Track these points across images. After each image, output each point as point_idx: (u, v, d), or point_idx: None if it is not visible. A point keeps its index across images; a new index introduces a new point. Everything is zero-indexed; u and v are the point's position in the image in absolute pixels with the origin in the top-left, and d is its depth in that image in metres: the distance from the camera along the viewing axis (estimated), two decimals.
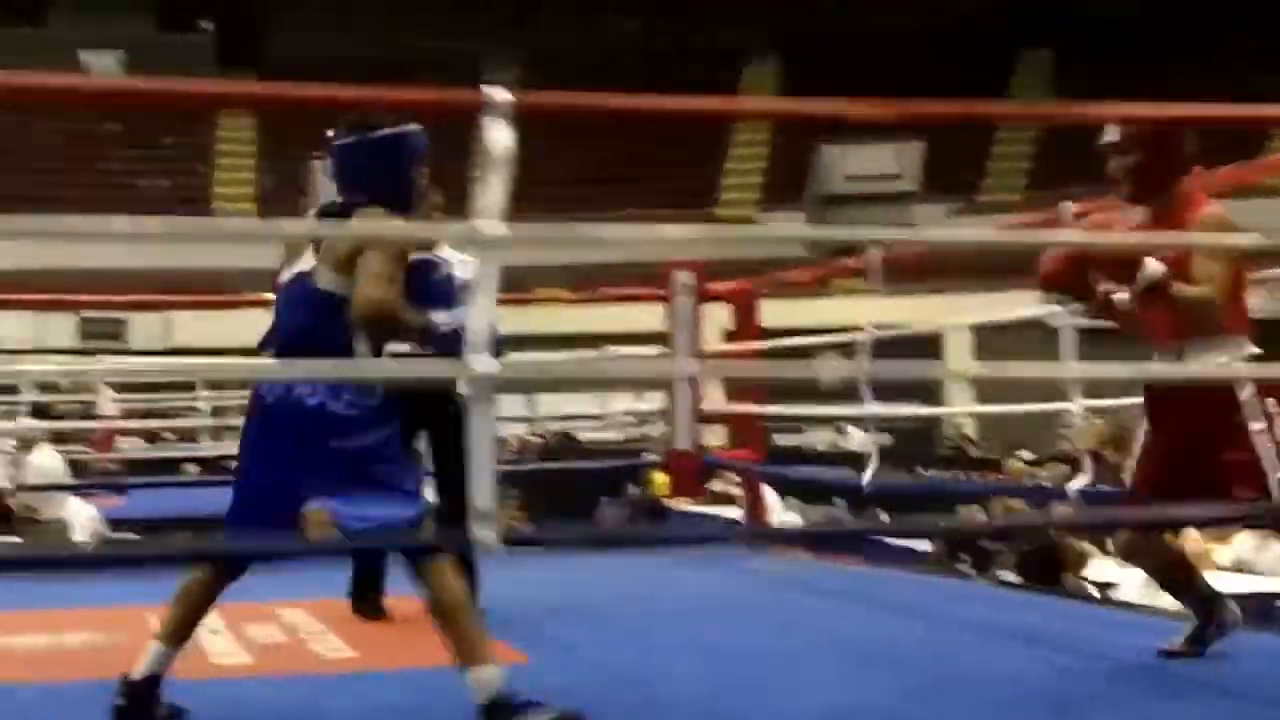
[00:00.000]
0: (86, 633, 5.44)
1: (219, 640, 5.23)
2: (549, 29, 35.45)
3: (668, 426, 8.80)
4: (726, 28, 34.90)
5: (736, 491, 13.28)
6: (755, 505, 8.58)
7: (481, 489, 3.28)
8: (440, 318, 4.09)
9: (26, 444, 10.65)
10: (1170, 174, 4.49)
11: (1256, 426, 4.32)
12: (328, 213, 4.20)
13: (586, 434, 23.68)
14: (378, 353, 4.05)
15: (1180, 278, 4.29)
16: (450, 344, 3.87)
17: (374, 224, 4.07)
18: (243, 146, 33.93)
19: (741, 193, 33.07)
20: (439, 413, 5.83)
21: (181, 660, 4.31)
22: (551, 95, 3.98)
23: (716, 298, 8.54)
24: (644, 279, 9.19)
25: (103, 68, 33.70)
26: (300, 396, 3.92)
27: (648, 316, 9.03)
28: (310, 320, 4.00)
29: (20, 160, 33.49)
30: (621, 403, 16.10)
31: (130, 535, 11.73)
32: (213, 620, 5.35)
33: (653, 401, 10.30)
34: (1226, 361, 4.34)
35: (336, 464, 3.90)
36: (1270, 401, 4.33)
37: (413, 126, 4.25)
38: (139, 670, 3.95)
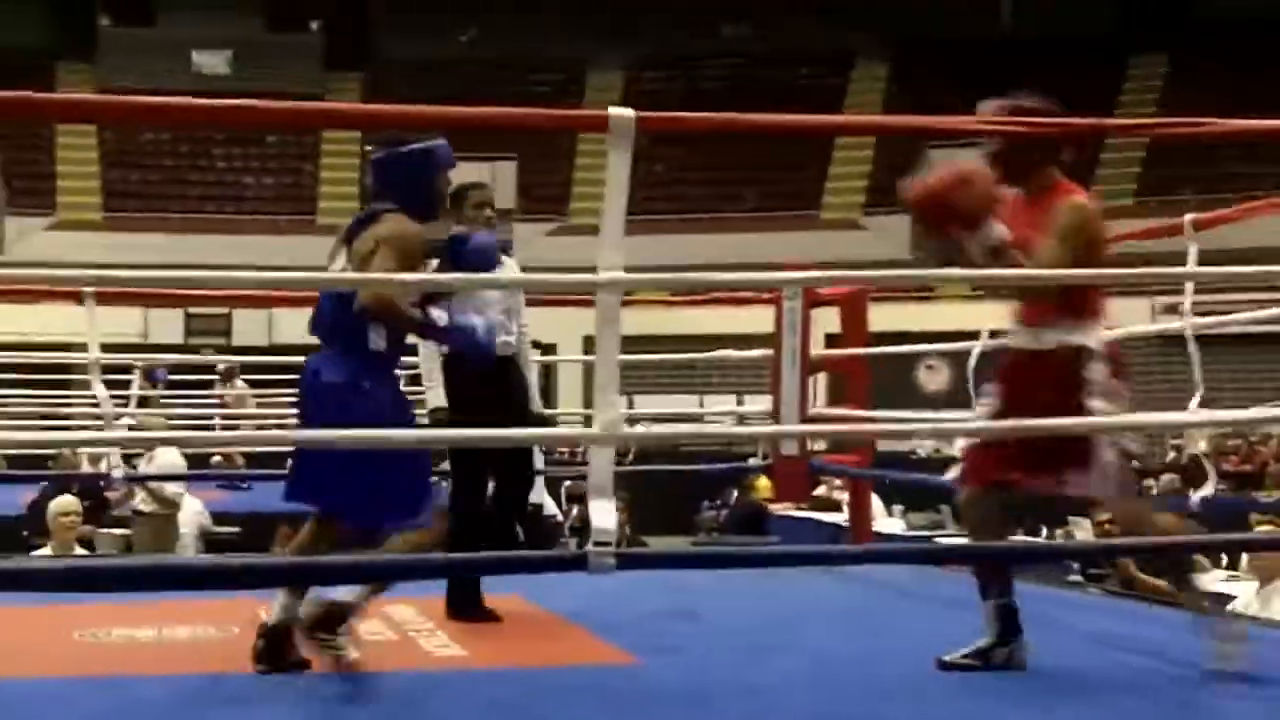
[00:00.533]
0: (196, 626, 5.46)
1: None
2: (657, 33, 35.39)
3: (773, 429, 8.72)
4: (835, 31, 34.73)
5: (840, 496, 13.20)
6: (861, 511, 8.48)
7: (602, 513, 3.36)
8: (438, 314, 4.60)
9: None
10: (1031, 161, 4.63)
11: (1098, 405, 4.46)
12: (360, 220, 4.72)
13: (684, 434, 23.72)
14: (395, 341, 4.60)
15: (1027, 251, 4.43)
16: (456, 338, 4.68)
17: None
18: (348, 146, 34.10)
19: (845, 196, 32.89)
20: (501, 417, 5.86)
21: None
22: (672, 115, 3.95)
23: (826, 301, 8.45)
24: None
25: (212, 67, 34.07)
26: (324, 379, 4.56)
27: (756, 318, 8.96)
28: (338, 313, 4.53)
29: (133, 158, 33.90)
30: (722, 404, 15.97)
31: (231, 529, 11.86)
32: None
33: (757, 403, 10.20)
34: (1078, 342, 4.52)
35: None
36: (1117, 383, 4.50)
37: (438, 141, 4.82)
38: (273, 618, 4.52)
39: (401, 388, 5.05)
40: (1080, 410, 4.42)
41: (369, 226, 4.60)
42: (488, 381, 5.71)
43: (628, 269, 3.48)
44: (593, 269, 3.49)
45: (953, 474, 4.92)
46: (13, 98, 3.35)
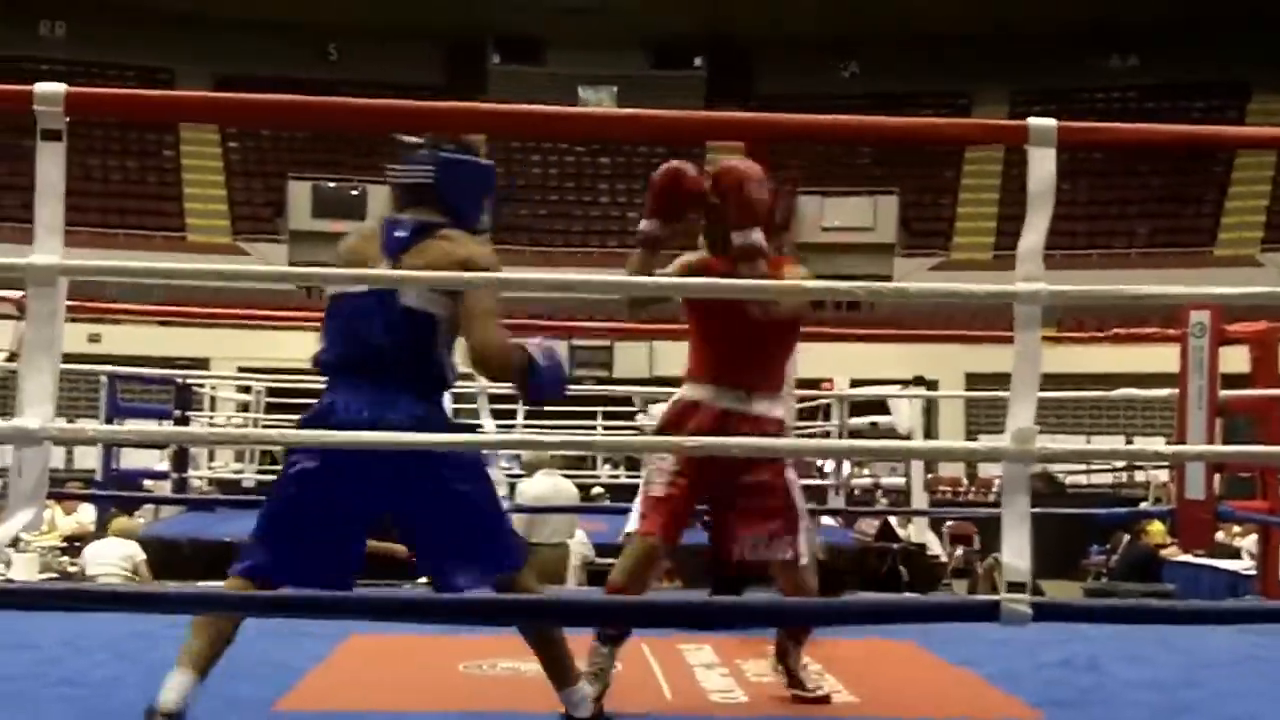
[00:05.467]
0: (580, 659, 5.34)
1: (714, 676, 5.07)
2: (1041, 65, 34.78)
3: (1172, 471, 8.29)
4: (1228, 63, 33.59)
5: (1240, 543, 12.59)
6: (1271, 561, 7.97)
7: (1016, 549, 3.12)
8: (533, 347, 3.84)
9: (530, 468, 10.66)
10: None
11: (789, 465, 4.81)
12: (410, 230, 3.90)
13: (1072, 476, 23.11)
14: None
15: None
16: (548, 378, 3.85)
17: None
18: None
19: (1242, 232, 31.71)
20: None
21: (677, 696, 4.18)
22: (1093, 125, 3.76)
23: (1233, 340, 7.97)
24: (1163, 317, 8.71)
25: (597, 102, 34.78)
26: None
27: (1133, 357, 8.54)
28: (397, 337, 3.79)
29: (521, 192, 34.76)
30: (1111, 443, 15.33)
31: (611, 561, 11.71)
32: (708, 654, 5.23)
33: (1153, 442, 9.72)
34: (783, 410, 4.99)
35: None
36: None
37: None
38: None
39: None
40: (776, 462, 4.80)
41: (422, 241, 3.87)
42: None
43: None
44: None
45: None
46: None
